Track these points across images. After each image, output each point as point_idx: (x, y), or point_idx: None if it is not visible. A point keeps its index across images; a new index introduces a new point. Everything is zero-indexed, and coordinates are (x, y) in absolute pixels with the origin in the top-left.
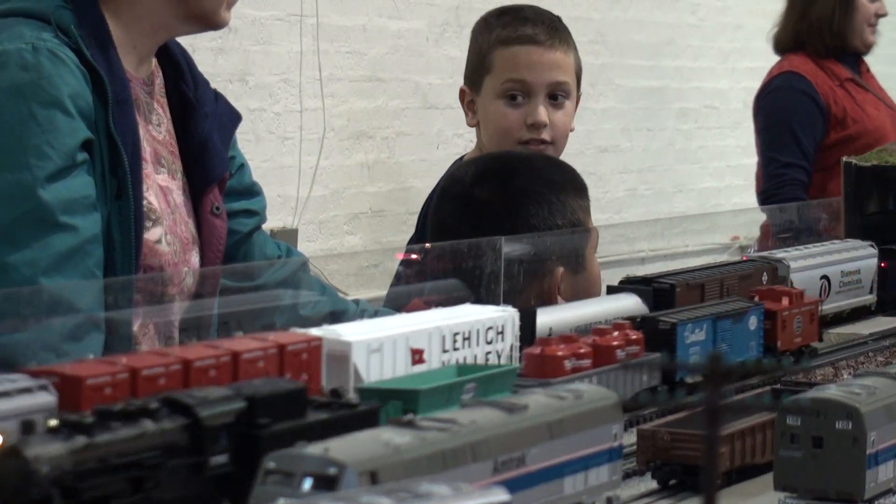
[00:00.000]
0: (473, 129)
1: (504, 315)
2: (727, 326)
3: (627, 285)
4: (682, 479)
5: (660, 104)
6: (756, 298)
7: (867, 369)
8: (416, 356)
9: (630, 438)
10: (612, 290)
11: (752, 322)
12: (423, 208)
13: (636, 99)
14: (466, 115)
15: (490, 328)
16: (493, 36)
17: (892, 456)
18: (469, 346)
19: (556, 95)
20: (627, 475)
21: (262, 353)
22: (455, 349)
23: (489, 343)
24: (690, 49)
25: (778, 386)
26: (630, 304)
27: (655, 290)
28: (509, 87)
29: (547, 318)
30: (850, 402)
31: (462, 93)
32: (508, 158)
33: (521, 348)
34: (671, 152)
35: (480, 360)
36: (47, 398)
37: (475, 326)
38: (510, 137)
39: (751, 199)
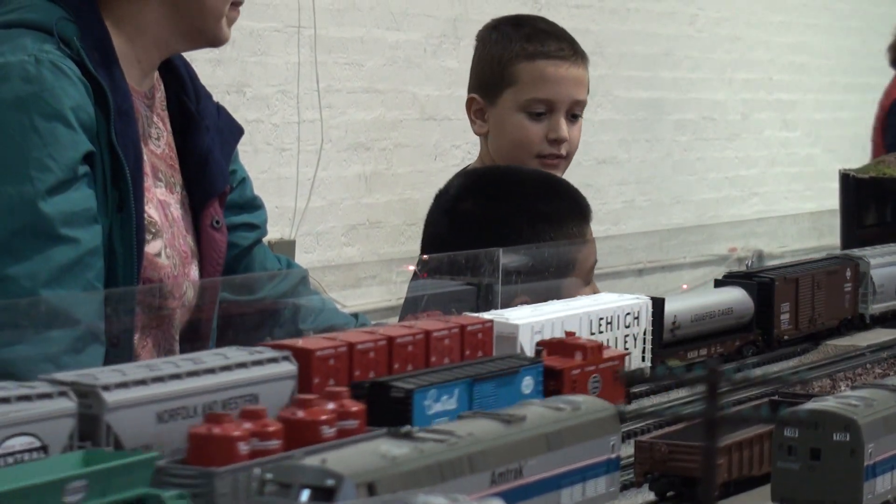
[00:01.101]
0: (471, 140)
1: (639, 302)
2: (489, 391)
3: (731, 279)
4: (679, 491)
5: (658, 115)
6: (543, 352)
7: (865, 381)
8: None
9: (628, 450)
10: (719, 284)
11: (528, 384)
12: (424, 231)
13: (634, 110)
14: (473, 123)
15: (628, 314)
16: (515, 47)
17: (890, 468)
18: (611, 329)
19: (574, 112)
20: (625, 487)
21: (447, 332)
22: (600, 332)
23: (627, 327)
24: (688, 60)
25: (776, 398)
26: (738, 295)
27: (759, 284)
28: (533, 103)
29: (673, 306)
30: (847, 413)
31: (470, 101)
32: (502, 176)
33: (654, 333)
34: (669, 164)
35: (620, 343)
36: (290, 367)
37: (616, 312)
38: (529, 151)
39: (748, 210)
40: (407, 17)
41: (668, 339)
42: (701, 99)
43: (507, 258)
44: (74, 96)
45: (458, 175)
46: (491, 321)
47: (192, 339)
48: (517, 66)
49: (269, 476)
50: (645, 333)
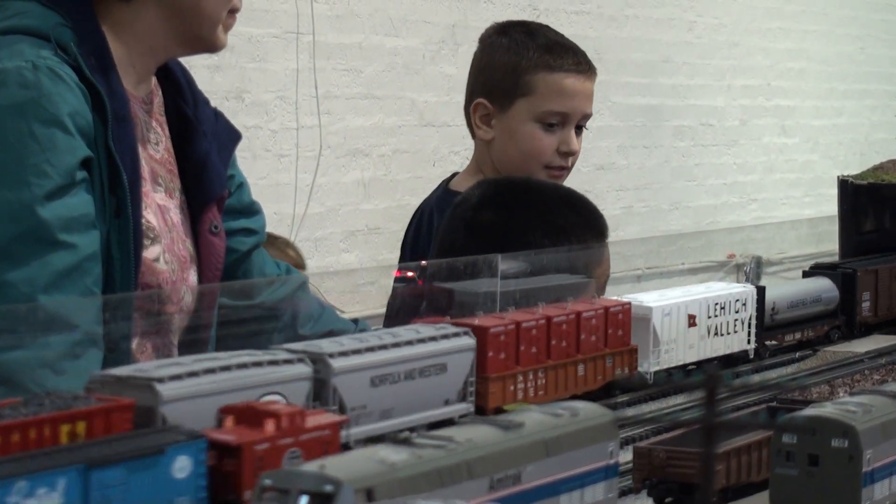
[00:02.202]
0: (470, 146)
1: (746, 290)
2: (116, 479)
3: (818, 270)
4: (678, 497)
5: (656, 122)
6: (224, 420)
7: (863, 387)
8: (691, 320)
9: (626, 456)
10: (807, 275)
11: (182, 467)
12: (410, 223)
13: (632, 116)
14: (478, 128)
15: (738, 300)
16: (533, 56)
17: (888, 474)
18: (724, 313)
19: (581, 124)
20: (623, 493)
21: (594, 313)
22: (715, 316)
23: (736, 312)
24: (687, 67)
25: (774, 404)
26: (825, 285)
27: (843, 275)
28: (549, 114)
29: (772, 294)
30: (845, 420)
31: (477, 106)
32: (523, 188)
33: (757, 318)
34: (667, 170)
35: (731, 325)
36: (470, 341)
37: (728, 299)
38: (539, 161)
39: (747, 216)
40: (406, 24)
41: (767, 323)
42: (699, 105)
43: (506, 265)
44: (72, 102)
45: (477, 185)
46: (629, 303)
47: (192, 344)
48: (535, 76)
49: (267, 482)
50: (750, 318)
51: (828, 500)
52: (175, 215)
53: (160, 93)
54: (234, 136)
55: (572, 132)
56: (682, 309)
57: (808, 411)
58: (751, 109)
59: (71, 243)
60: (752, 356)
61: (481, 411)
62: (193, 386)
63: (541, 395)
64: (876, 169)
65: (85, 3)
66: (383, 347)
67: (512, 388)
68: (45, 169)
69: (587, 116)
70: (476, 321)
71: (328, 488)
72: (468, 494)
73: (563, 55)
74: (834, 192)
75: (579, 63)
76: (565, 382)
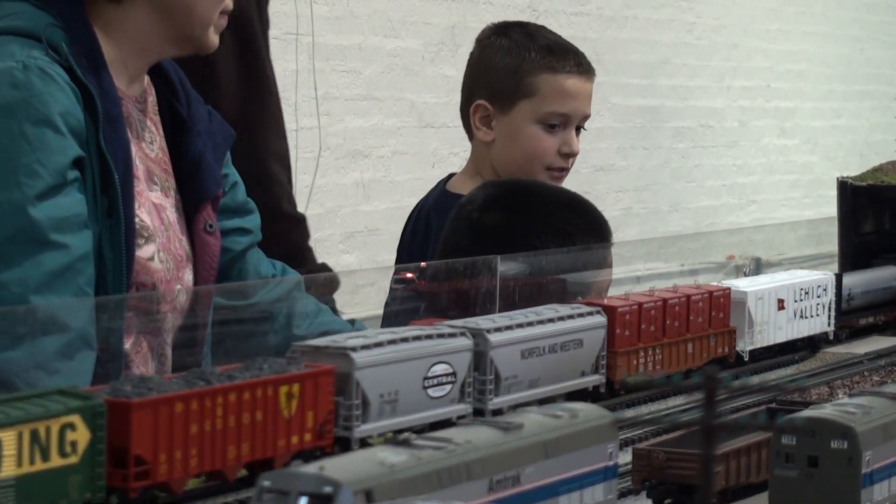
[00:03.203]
0: (469, 148)
1: (826, 277)
2: None
3: (886, 259)
4: (677, 499)
5: (655, 123)
6: None
7: (862, 389)
8: (780, 304)
9: (626, 457)
10: (876, 264)
11: None
12: (406, 224)
13: (632, 118)
14: (478, 130)
15: (819, 286)
16: (535, 58)
17: (887, 475)
18: (808, 298)
19: (580, 125)
20: (623, 494)
21: (700, 296)
22: (800, 300)
23: (818, 297)
24: (686, 68)
25: (773, 405)
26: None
27: None
28: (552, 116)
29: (847, 281)
30: (845, 421)
31: (477, 107)
32: (529, 191)
33: (836, 303)
34: (667, 171)
35: (813, 309)
36: (602, 319)
37: (811, 285)
38: (540, 162)
39: (746, 217)
40: (405, 25)
41: (843, 308)
42: (699, 106)
43: (505, 266)
44: (63, 102)
45: (482, 186)
46: (729, 288)
47: (187, 344)
48: (537, 77)
49: (266, 483)
50: (830, 303)
51: (827, 502)
52: (171, 214)
53: (154, 92)
54: (228, 136)
55: (573, 133)
56: (772, 294)
57: (808, 413)
58: (750, 111)
59: (63, 243)
60: (831, 337)
61: (610, 383)
62: (380, 354)
63: (658, 368)
64: (875, 170)
65: (76, 3)
66: (530, 324)
67: (635, 361)
68: (36, 169)
69: (586, 117)
70: (605, 301)
71: (327, 489)
72: (467, 496)
73: (565, 56)
74: (833, 193)
75: (580, 64)
76: (677, 358)
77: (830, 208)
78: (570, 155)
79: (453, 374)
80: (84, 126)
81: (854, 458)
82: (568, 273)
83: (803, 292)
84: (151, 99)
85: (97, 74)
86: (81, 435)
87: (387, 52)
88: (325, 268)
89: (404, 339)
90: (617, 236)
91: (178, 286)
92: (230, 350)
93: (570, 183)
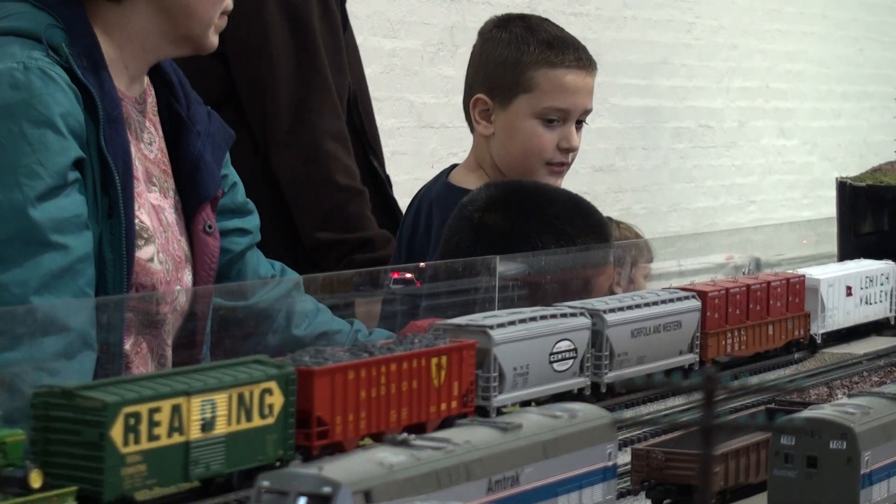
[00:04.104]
0: (469, 148)
1: (889, 267)
2: None
3: None
4: (676, 499)
5: (654, 123)
6: None
7: (862, 389)
8: (848, 290)
9: (624, 458)
10: None
11: None
12: (407, 212)
13: (631, 118)
14: (477, 123)
15: (883, 274)
16: (534, 52)
17: (886, 476)
18: (872, 285)
19: (581, 119)
20: (622, 495)
21: (779, 283)
22: (866, 287)
23: (881, 285)
24: (685, 68)
25: (772, 405)
26: None
27: None
28: (551, 111)
29: None
30: (844, 421)
31: (477, 101)
32: (531, 192)
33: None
34: (666, 171)
35: (877, 296)
36: (697, 303)
37: (875, 273)
38: (539, 157)
39: (745, 218)
40: (404, 25)
41: None
42: (698, 107)
43: (504, 266)
44: (63, 103)
45: (485, 186)
46: (804, 276)
47: (187, 344)
48: (536, 72)
49: (265, 483)
50: (892, 290)
51: (826, 502)
52: (170, 215)
53: (153, 93)
54: (227, 136)
55: (573, 128)
56: (842, 281)
57: (807, 413)
58: (749, 111)
59: (63, 244)
60: (893, 322)
61: (702, 362)
62: (514, 332)
63: (742, 349)
64: (874, 171)
65: (76, 4)
66: (638, 306)
67: (723, 342)
68: (36, 170)
69: (587, 111)
70: (698, 286)
71: (326, 490)
72: (466, 496)
73: (565, 51)
74: (832, 193)
75: (580, 59)
76: (759, 340)
77: (829, 209)
78: (570, 150)
79: (575, 350)
80: (84, 127)
81: (853, 458)
82: (567, 273)
83: (868, 280)
84: (151, 99)
85: (97, 75)
86: (277, 399)
87: (386, 53)
88: (385, 237)
89: (533, 319)
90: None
91: (178, 287)
92: (229, 350)
93: (568, 183)
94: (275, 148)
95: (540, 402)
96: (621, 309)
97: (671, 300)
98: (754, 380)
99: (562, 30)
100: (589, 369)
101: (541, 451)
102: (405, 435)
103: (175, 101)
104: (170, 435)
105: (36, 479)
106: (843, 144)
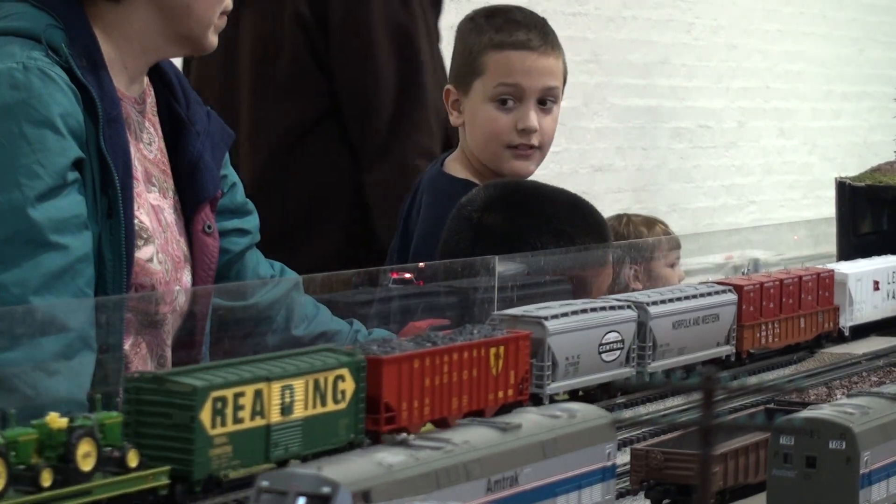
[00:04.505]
0: None
1: None
2: None
3: None
4: (675, 499)
5: (654, 123)
6: None
7: (861, 389)
8: (875, 285)
9: (624, 458)
10: None
11: None
12: (401, 210)
13: (630, 118)
14: (451, 114)
15: None
16: (484, 38)
17: (886, 476)
18: None
19: (546, 100)
20: (621, 495)
21: (811, 277)
22: (893, 282)
23: None
24: (685, 68)
25: (771, 405)
26: None
27: None
28: (501, 92)
29: None
30: (843, 421)
31: (447, 92)
32: (530, 192)
33: None
34: (665, 171)
35: None
36: (733, 297)
37: None
38: (499, 141)
39: (745, 218)
40: None
41: None
42: (697, 107)
43: (503, 266)
44: (63, 103)
45: (484, 186)
46: (833, 270)
47: (186, 345)
48: (486, 56)
49: (265, 483)
50: None
51: (825, 502)
52: (169, 215)
53: (153, 93)
54: (226, 137)
55: (529, 109)
56: (869, 276)
57: (806, 413)
58: (749, 111)
59: (63, 245)
60: None
61: (738, 353)
62: (566, 323)
63: (775, 341)
64: (874, 171)
65: (76, 4)
66: (679, 299)
67: (758, 334)
68: (36, 170)
69: (551, 91)
70: (734, 280)
71: (325, 490)
72: (465, 496)
73: (513, 32)
74: (832, 194)
75: (529, 39)
76: (791, 332)
77: (829, 209)
78: (527, 131)
79: (622, 341)
80: (84, 127)
81: (852, 458)
82: (567, 273)
83: (895, 275)
84: (150, 100)
85: (97, 75)
86: (349, 385)
87: None
88: None
89: (584, 311)
90: None
91: (177, 287)
92: (228, 351)
93: (568, 183)
94: (369, 161)
95: (589, 391)
96: (663, 302)
97: (709, 294)
98: (753, 380)
99: (529, 15)
100: (634, 359)
101: (540, 452)
102: (404, 435)
103: (174, 101)
104: (252, 418)
105: (133, 459)
106: (842, 145)
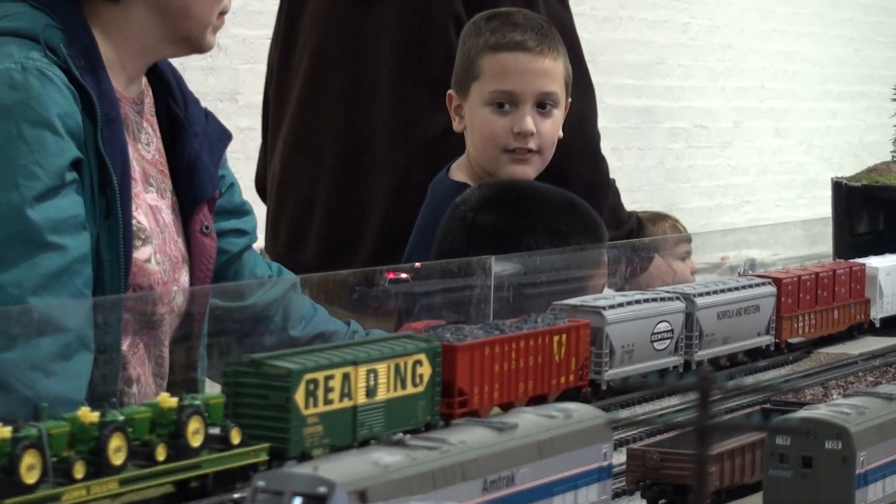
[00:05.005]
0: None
1: None
2: None
3: None
4: (671, 499)
5: (650, 123)
6: None
7: (857, 389)
8: None
9: (620, 458)
10: None
11: None
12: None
13: (626, 118)
14: (454, 119)
15: None
16: (481, 41)
17: (881, 476)
18: None
19: (545, 104)
20: (617, 495)
21: (843, 271)
22: None
23: None
24: (681, 68)
25: (767, 405)
26: None
27: None
28: (497, 96)
29: None
30: (839, 421)
31: (450, 97)
32: (525, 192)
33: None
34: (661, 171)
35: None
36: (772, 289)
37: None
38: (496, 145)
39: (740, 218)
40: None
41: None
42: (693, 107)
43: (500, 266)
44: (61, 103)
45: (478, 186)
46: (864, 265)
47: (184, 345)
48: (481, 59)
49: (261, 483)
50: None
51: (821, 502)
52: (167, 216)
53: (151, 93)
54: (224, 137)
55: (525, 112)
56: None
57: (802, 413)
58: (745, 111)
59: (61, 245)
60: None
61: (777, 343)
62: (623, 313)
63: (811, 331)
64: (870, 171)
65: (74, 4)
66: (723, 291)
67: (795, 325)
68: (34, 170)
69: (549, 95)
70: (772, 272)
71: (322, 490)
72: (462, 496)
73: (508, 33)
74: (828, 193)
75: (525, 40)
76: (826, 323)
77: (825, 209)
78: (523, 134)
79: (671, 330)
80: (82, 128)
81: (848, 458)
82: (562, 274)
83: None
84: (148, 100)
85: (95, 76)
86: (426, 370)
87: None
88: (640, 221)
89: (637, 302)
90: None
91: (175, 287)
92: (226, 351)
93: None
94: (565, 157)
95: (643, 376)
96: (708, 293)
97: (750, 286)
98: (749, 380)
99: (529, 17)
100: (682, 348)
101: (536, 451)
102: (400, 435)
103: (173, 101)
104: (341, 399)
105: (236, 436)
106: (838, 144)
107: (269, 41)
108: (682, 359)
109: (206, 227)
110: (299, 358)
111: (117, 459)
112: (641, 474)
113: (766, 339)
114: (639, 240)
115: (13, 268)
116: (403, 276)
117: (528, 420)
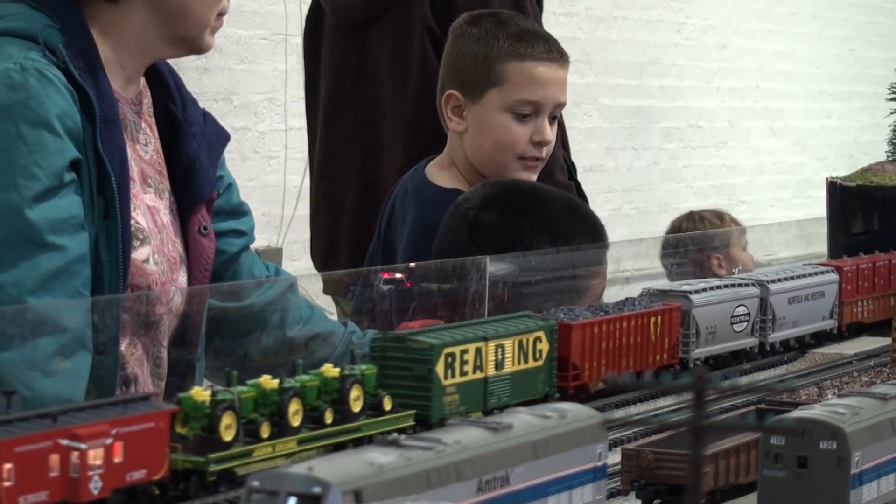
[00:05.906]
0: None
1: None
2: None
3: None
4: (666, 500)
5: (645, 123)
6: None
7: (852, 389)
8: None
9: (614, 458)
10: None
11: None
12: (385, 202)
13: (621, 118)
14: (450, 120)
15: None
16: (503, 46)
17: (877, 476)
18: None
19: (555, 113)
20: (612, 495)
21: (885, 263)
22: None
23: None
24: (675, 68)
25: (762, 405)
26: None
27: None
28: (522, 104)
29: None
30: (834, 422)
31: (448, 97)
32: (527, 192)
33: None
34: (656, 171)
35: None
36: (835, 276)
37: None
38: (512, 152)
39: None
40: None
41: None
42: (688, 107)
43: (494, 266)
44: (60, 104)
45: (481, 185)
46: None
47: (181, 345)
48: (506, 65)
49: (255, 483)
50: None
51: (816, 503)
52: (165, 216)
53: (149, 94)
54: (222, 137)
55: (545, 122)
56: None
57: (797, 413)
58: (740, 111)
59: (59, 245)
60: None
61: (839, 326)
62: (707, 297)
63: (869, 316)
64: (865, 171)
65: (73, 4)
66: (792, 278)
67: (855, 310)
68: (33, 171)
69: (561, 105)
70: (835, 263)
71: (316, 490)
72: (456, 496)
73: (534, 43)
74: (823, 193)
75: (550, 51)
76: (883, 309)
77: (820, 209)
78: (542, 143)
79: (748, 314)
80: (81, 128)
81: (843, 458)
82: (561, 274)
83: None
84: (146, 100)
85: (94, 76)
86: (545, 346)
87: None
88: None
89: (718, 287)
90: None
91: (173, 287)
92: (223, 351)
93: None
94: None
95: (723, 356)
96: (780, 280)
97: (815, 273)
98: (744, 380)
99: (532, 23)
100: (757, 331)
101: (531, 452)
102: (395, 435)
103: (171, 102)
104: (474, 371)
105: (388, 403)
106: (833, 144)
107: (264, 41)
108: (758, 340)
109: (205, 228)
110: (438, 334)
111: (295, 421)
112: (636, 474)
113: (830, 323)
114: (702, 232)
115: (12, 268)
116: (398, 276)
117: (522, 420)
